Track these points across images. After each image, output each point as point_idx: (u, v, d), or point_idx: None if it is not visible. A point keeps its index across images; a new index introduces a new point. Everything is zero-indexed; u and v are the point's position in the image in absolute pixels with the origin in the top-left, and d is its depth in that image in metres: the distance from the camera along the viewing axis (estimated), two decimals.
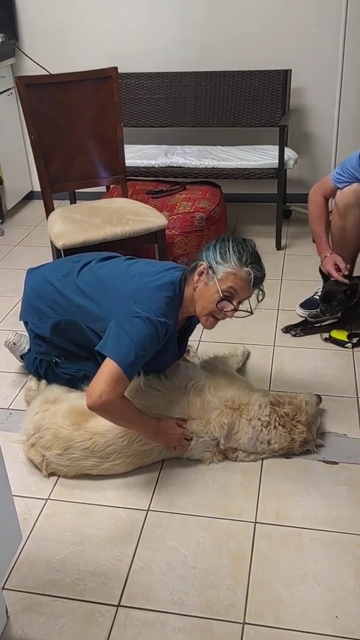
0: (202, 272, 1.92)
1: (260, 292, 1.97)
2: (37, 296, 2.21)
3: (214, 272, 1.89)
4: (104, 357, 1.83)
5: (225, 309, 1.91)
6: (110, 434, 1.93)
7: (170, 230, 3.07)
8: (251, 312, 1.96)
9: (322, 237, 2.67)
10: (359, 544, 1.74)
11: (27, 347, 2.40)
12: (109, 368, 1.78)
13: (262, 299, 1.99)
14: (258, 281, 1.92)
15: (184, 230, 3.16)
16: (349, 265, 2.66)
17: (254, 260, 1.91)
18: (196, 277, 1.94)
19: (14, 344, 2.46)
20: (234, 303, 1.91)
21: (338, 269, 2.61)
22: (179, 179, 3.59)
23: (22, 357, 2.46)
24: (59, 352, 2.21)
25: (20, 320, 2.33)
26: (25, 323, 2.29)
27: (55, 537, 1.81)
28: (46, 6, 3.90)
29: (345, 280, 2.59)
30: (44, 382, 2.27)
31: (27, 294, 2.29)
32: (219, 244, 1.93)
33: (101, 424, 1.94)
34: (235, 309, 1.91)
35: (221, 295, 1.88)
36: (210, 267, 1.90)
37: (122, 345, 1.80)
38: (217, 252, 1.91)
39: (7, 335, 2.48)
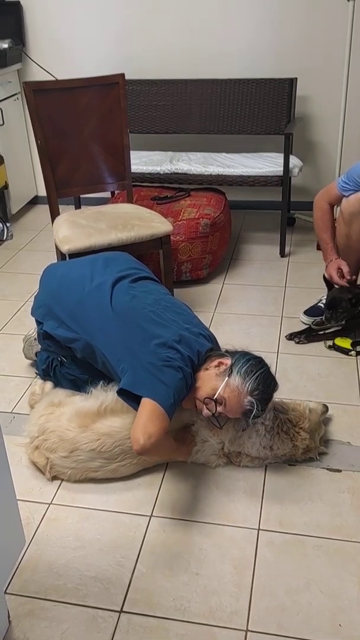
0: (221, 365, 1.90)
1: (245, 423, 1.94)
2: (58, 303, 2.15)
3: (228, 375, 1.87)
4: (129, 396, 1.82)
5: (206, 406, 1.88)
6: (118, 435, 1.93)
7: (175, 236, 3.07)
8: (220, 427, 1.93)
9: (329, 244, 2.68)
10: None
11: None
12: (150, 408, 1.76)
13: (242, 430, 1.99)
14: (250, 415, 1.87)
15: (188, 236, 3.17)
16: (355, 277, 2.66)
17: (262, 399, 1.87)
18: (215, 362, 1.92)
19: (35, 339, 2.45)
20: (217, 409, 1.87)
21: (342, 274, 2.62)
22: (183, 186, 3.60)
23: (36, 354, 2.44)
24: (66, 353, 2.21)
25: (32, 316, 2.30)
26: (38, 322, 2.26)
27: (57, 541, 1.81)
28: (53, 12, 3.92)
29: (346, 285, 2.60)
30: (48, 385, 2.27)
31: (46, 296, 2.22)
32: (253, 361, 1.90)
33: (108, 425, 1.94)
34: (212, 414, 1.88)
35: (214, 396, 1.86)
36: (230, 369, 1.88)
37: (158, 387, 1.79)
38: (245, 367, 1.87)
39: (29, 330, 2.50)
